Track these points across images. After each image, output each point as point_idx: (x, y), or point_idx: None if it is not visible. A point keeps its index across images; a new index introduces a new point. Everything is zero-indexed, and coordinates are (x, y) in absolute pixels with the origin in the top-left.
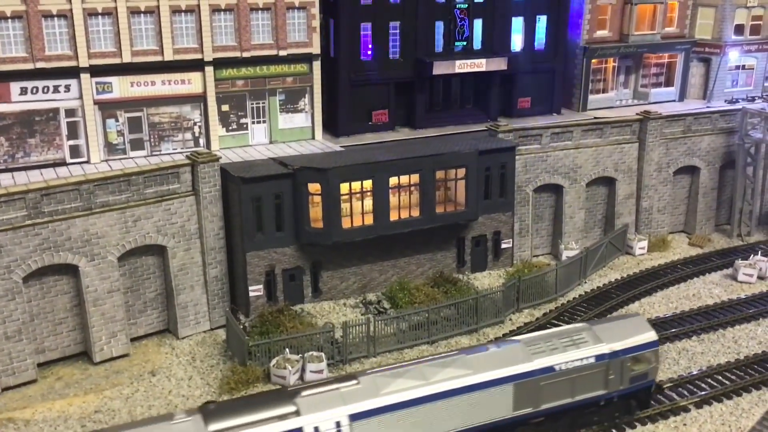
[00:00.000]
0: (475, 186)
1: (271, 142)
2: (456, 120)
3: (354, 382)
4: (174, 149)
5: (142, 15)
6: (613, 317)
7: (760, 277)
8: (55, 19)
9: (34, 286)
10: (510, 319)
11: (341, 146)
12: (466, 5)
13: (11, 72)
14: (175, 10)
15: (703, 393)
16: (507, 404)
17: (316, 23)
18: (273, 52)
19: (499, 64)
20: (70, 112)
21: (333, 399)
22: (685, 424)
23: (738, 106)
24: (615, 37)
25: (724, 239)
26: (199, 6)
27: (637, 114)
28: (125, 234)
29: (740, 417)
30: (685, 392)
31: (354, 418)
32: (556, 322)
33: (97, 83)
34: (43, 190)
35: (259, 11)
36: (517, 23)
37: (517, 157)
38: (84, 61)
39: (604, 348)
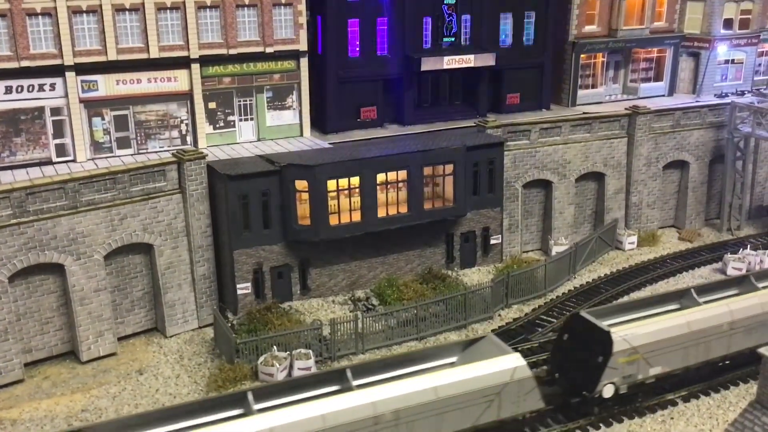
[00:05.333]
0: (463, 182)
1: (258, 140)
2: (445, 116)
3: None
4: (161, 147)
5: (127, 12)
6: None
7: (749, 271)
8: (40, 17)
9: (20, 285)
10: (499, 315)
11: (330, 143)
12: (454, 1)
13: None
14: (161, 7)
15: (690, 386)
16: None
17: (303, 20)
18: (260, 49)
19: (488, 60)
20: (55, 111)
21: None
22: (672, 418)
23: (727, 100)
24: (604, 32)
25: (714, 233)
26: (184, 3)
27: (626, 109)
28: (111, 232)
29: (727, 410)
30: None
31: None
32: (544, 317)
33: (82, 81)
34: (28, 189)
35: (245, 8)
36: (506, 19)
37: (505, 152)
38: (69, 60)
39: None
